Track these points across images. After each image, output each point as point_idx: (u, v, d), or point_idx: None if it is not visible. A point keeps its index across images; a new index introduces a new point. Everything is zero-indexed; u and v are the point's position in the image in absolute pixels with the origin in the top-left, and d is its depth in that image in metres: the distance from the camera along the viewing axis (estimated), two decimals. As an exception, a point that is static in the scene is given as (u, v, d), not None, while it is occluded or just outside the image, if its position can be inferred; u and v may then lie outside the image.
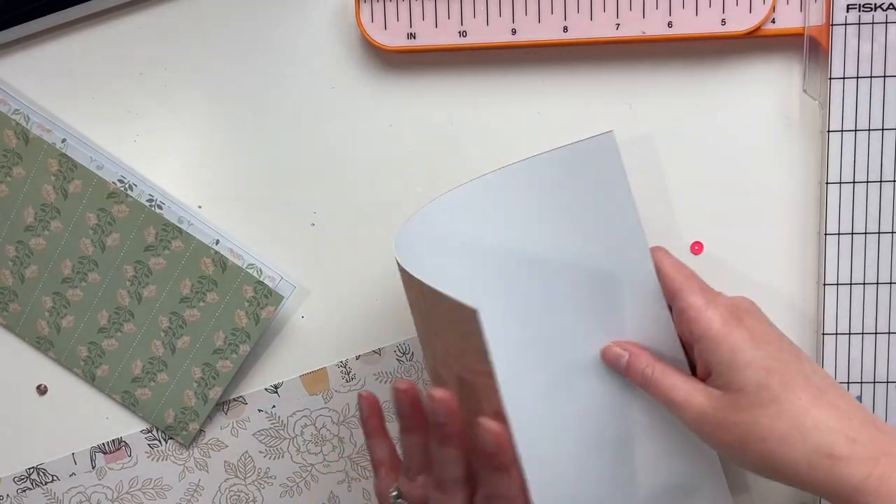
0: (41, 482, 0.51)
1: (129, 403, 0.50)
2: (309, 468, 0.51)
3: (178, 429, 0.50)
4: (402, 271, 0.38)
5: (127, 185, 0.47)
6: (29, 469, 0.51)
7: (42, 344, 0.49)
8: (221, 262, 0.48)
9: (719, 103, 0.47)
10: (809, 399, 0.37)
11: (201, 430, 0.50)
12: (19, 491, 0.51)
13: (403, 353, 0.49)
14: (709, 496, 0.44)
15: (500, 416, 0.34)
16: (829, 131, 0.45)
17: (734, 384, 0.38)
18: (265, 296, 0.48)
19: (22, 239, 0.48)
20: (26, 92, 0.49)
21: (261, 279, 0.47)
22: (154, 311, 0.49)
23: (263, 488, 0.51)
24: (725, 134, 0.47)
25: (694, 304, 0.41)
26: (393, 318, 0.49)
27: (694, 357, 0.42)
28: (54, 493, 0.51)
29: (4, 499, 0.51)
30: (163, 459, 0.51)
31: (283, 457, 0.51)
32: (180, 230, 0.48)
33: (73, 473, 0.51)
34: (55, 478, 0.51)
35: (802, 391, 0.37)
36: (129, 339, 0.49)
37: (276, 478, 0.51)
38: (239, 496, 0.51)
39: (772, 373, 0.38)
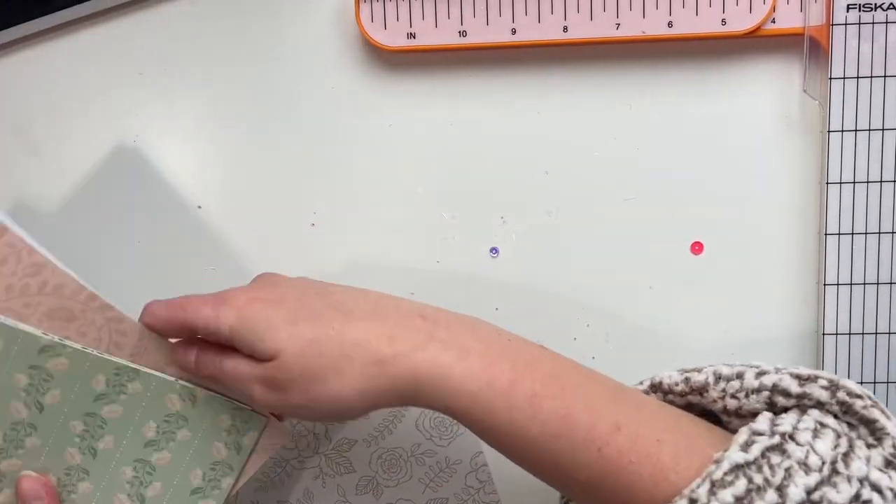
0: None
1: None
2: (284, 463, 0.51)
3: None
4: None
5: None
6: None
7: None
8: (190, 395, 0.42)
9: (719, 103, 0.47)
10: (341, 324, 0.36)
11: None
12: None
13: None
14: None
15: None
16: (829, 131, 0.45)
17: (270, 351, 0.37)
18: (244, 421, 0.42)
19: None
20: (26, 92, 0.49)
21: (240, 405, 0.42)
22: (114, 464, 0.42)
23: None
24: (725, 134, 0.47)
25: (207, 315, 0.38)
26: (393, 318, 0.49)
27: None
28: None
29: None
30: None
31: None
32: (137, 371, 0.41)
33: None
34: None
35: (333, 321, 0.36)
36: (85, 498, 0.42)
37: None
38: None
39: (298, 321, 0.37)
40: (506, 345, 0.37)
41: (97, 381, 0.41)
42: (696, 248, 0.48)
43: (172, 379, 0.42)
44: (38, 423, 0.40)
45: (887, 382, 0.47)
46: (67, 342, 0.40)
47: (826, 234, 0.46)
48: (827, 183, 0.46)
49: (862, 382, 0.47)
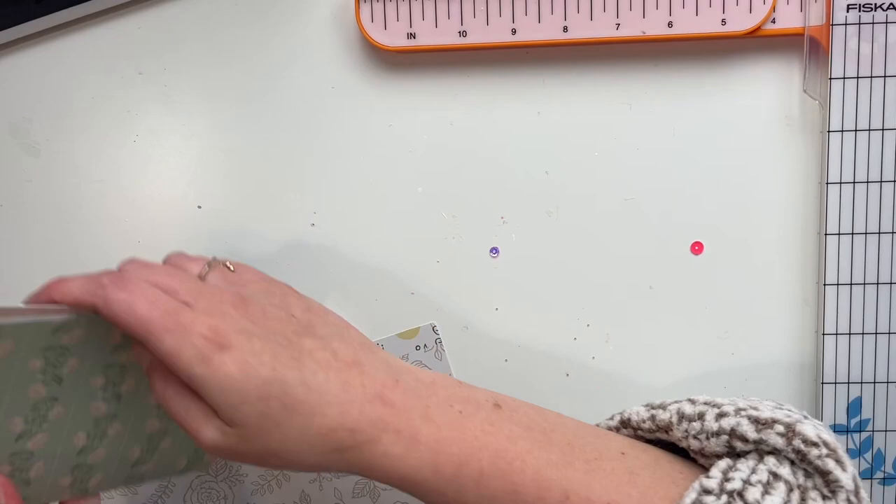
0: None
1: (136, 481, 0.44)
2: None
3: (196, 461, 0.44)
4: None
5: None
6: None
7: None
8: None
9: (719, 103, 0.47)
10: (311, 410, 0.35)
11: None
12: None
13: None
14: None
15: None
16: (829, 131, 0.45)
17: (237, 421, 0.34)
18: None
19: None
20: (26, 92, 0.49)
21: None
22: (138, 399, 0.41)
23: (235, 486, 0.51)
24: (725, 134, 0.47)
25: (167, 350, 0.34)
26: (393, 317, 0.49)
27: None
28: None
29: None
30: None
31: None
32: None
33: None
34: None
35: (304, 405, 0.35)
36: (118, 438, 0.42)
37: (247, 476, 0.51)
38: (210, 493, 0.51)
39: (269, 399, 0.35)
40: (456, 420, 0.36)
41: (114, 337, 0.39)
42: (696, 248, 0.48)
43: None
44: (58, 394, 0.39)
45: (887, 382, 0.47)
46: (81, 314, 0.37)
47: (826, 234, 0.46)
48: (827, 183, 0.46)
49: (862, 382, 0.47)
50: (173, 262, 0.39)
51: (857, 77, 0.45)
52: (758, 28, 0.44)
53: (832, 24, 0.44)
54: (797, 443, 0.34)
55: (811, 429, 0.34)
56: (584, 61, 0.47)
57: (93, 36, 0.48)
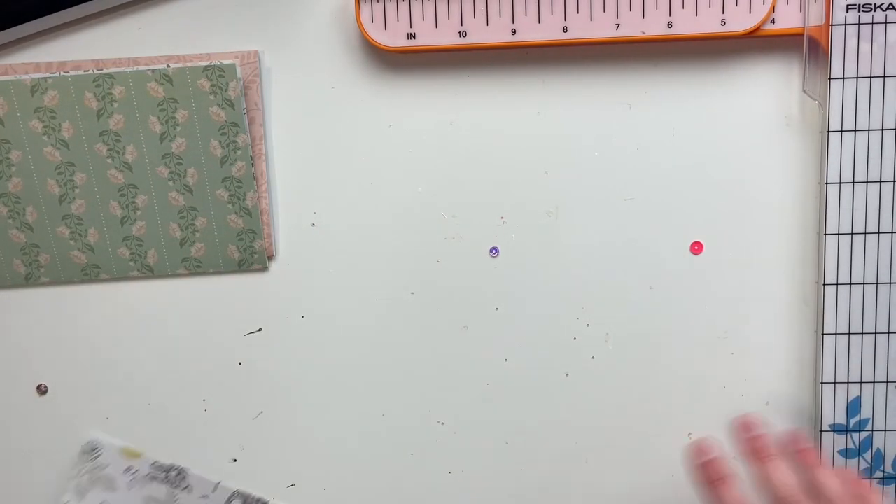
0: None
1: (195, 268, 0.47)
2: None
3: (248, 258, 0.48)
4: None
5: (45, 69, 0.45)
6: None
7: (90, 272, 0.47)
8: (164, 76, 0.45)
9: (719, 103, 0.47)
10: None
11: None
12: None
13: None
14: None
15: None
16: (828, 131, 0.45)
17: None
18: (219, 75, 0.45)
19: (2, 191, 0.46)
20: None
21: (208, 64, 0.45)
22: (148, 168, 0.46)
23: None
24: (725, 134, 0.47)
25: None
26: (393, 317, 0.49)
27: None
28: None
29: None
30: None
31: None
32: (111, 75, 0.45)
33: None
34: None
35: None
36: (149, 209, 0.46)
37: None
38: None
39: None
40: None
41: (89, 99, 0.44)
42: (696, 248, 0.48)
43: (143, 68, 0.45)
44: (71, 158, 0.45)
45: (886, 382, 0.47)
46: (48, 74, 0.44)
47: (825, 234, 0.46)
48: (826, 183, 0.46)
49: (861, 382, 0.47)
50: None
51: (857, 77, 0.45)
52: (757, 28, 0.44)
53: (832, 24, 0.44)
54: None
55: None
56: (584, 61, 0.47)
57: (92, 36, 0.48)
